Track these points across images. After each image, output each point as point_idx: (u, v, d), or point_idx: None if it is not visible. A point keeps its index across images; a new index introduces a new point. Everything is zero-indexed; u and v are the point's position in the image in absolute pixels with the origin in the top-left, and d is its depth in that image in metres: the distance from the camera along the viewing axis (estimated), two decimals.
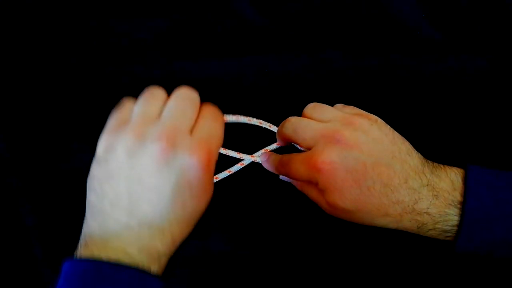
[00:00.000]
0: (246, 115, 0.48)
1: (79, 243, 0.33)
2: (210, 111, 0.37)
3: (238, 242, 0.43)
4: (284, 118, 0.47)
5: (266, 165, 0.44)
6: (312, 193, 0.40)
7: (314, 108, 0.42)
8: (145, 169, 0.32)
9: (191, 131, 0.34)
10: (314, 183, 0.39)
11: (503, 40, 0.52)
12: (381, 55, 0.51)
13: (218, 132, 0.36)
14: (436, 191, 0.36)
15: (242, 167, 0.45)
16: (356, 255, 0.42)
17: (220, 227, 0.43)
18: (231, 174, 0.45)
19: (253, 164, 0.45)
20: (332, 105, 0.48)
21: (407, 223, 0.36)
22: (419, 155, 0.38)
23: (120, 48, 0.52)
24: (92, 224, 0.33)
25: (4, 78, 0.50)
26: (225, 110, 0.49)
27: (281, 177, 0.44)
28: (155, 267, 0.33)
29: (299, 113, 0.48)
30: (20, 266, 0.42)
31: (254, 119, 0.44)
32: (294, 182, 0.43)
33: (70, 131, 0.48)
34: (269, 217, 0.44)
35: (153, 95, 0.36)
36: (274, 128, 0.46)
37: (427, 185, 0.36)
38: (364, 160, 0.36)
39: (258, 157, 0.45)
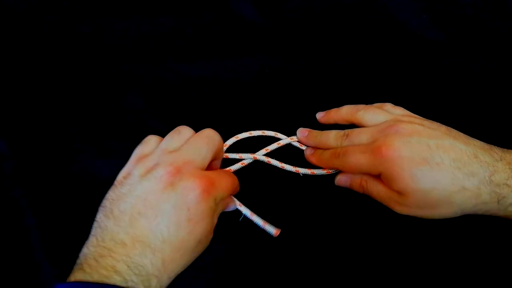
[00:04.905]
0: (246, 115, 0.48)
1: (75, 265, 0.34)
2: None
3: (238, 242, 0.43)
4: (286, 118, 0.48)
5: (312, 160, 0.44)
6: (376, 188, 0.39)
7: (366, 112, 0.42)
8: (152, 188, 0.35)
9: (204, 169, 0.37)
10: (376, 176, 0.39)
11: (503, 40, 0.52)
12: (381, 55, 0.52)
13: (227, 181, 0.38)
14: None
15: (243, 166, 0.45)
16: (355, 254, 0.42)
17: (219, 227, 0.43)
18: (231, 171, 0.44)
19: (253, 163, 0.45)
20: (333, 104, 0.48)
21: (486, 196, 0.35)
22: (480, 141, 0.39)
23: (122, 49, 0.52)
24: (90, 243, 0.35)
25: (5, 79, 0.50)
26: (225, 110, 0.49)
27: (337, 181, 0.43)
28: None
29: (299, 113, 0.48)
30: (20, 267, 0.41)
31: (255, 131, 0.46)
32: (353, 184, 0.42)
33: (71, 131, 0.48)
34: (269, 217, 0.44)
35: (178, 132, 0.40)
36: (281, 136, 0.46)
37: (501, 160, 0.36)
38: (427, 142, 0.37)
39: (262, 155, 0.45)
